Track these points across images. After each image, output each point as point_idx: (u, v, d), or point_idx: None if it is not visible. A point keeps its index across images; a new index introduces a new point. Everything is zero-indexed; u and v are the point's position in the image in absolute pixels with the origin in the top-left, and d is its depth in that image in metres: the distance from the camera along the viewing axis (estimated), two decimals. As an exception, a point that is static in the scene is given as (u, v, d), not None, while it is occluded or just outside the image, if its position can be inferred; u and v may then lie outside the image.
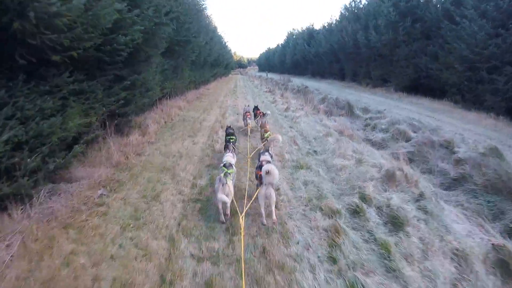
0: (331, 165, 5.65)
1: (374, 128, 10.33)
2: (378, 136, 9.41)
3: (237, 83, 33.74)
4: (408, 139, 8.68)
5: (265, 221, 3.80)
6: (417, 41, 19.01)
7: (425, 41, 18.50)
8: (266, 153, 4.90)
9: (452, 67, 15.68)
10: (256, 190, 4.10)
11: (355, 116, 11.98)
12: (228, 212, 3.95)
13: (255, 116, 9.09)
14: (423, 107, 14.97)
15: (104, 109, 6.07)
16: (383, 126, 10.10)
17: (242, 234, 3.26)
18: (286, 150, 6.73)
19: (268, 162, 4.32)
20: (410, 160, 7.52)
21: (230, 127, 7.00)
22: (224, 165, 4.38)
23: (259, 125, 8.13)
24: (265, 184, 3.78)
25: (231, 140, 6.18)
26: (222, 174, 4.04)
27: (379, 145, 8.90)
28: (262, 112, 8.93)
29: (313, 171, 5.37)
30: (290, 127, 9.38)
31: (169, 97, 14.34)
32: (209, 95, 19.40)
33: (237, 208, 3.84)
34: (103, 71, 6.06)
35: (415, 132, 9.13)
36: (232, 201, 3.96)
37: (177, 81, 14.40)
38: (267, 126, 7.18)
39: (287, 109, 12.49)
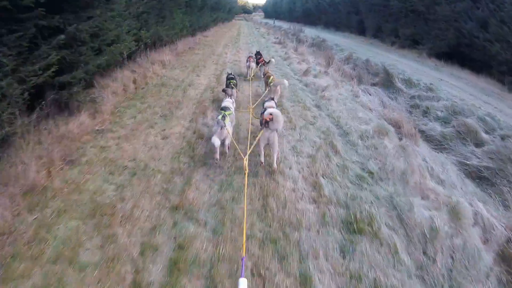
0: (410, 223, 2.99)
1: (426, 113, 7.50)
2: (435, 128, 6.62)
3: (240, 30, 29.37)
4: (478, 143, 5.97)
5: (262, 160, 3.83)
6: (461, 1, 15.25)
7: (471, 3, 14.79)
8: (272, 101, 4.75)
9: (505, 40, 12.29)
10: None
11: (395, 89, 8.99)
12: (227, 150, 4.07)
13: (257, 64, 8.61)
14: (469, 84, 11.76)
15: (17, 85, 3.69)
16: (439, 113, 7.26)
17: (245, 174, 3.18)
18: (322, 167, 3.97)
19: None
20: (483, 179, 5.02)
21: (231, 73, 6.87)
22: (222, 109, 4.40)
23: (262, 73, 7.98)
24: (271, 130, 3.74)
25: (232, 83, 6.04)
26: (220, 116, 4.00)
27: (438, 144, 6.20)
28: (265, 60, 8.64)
29: (385, 247, 2.71)
30: (317, 107, 6.46)
31: (154, 48, 11.12)
32: (206, 45, 15.88)
33: (240, 152, 3.70)
34: (12, 23, 3.73)
35: (488, 133, 6.35)
36: (235, 146, 3.98)
37: (162, 27, 11.02)
38: (270, 72, 7.09)
39: (306, 72, 9.31)
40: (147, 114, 5.65)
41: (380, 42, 21.95)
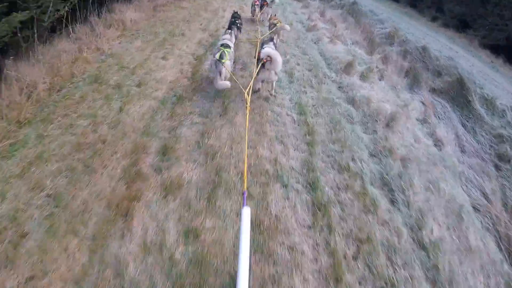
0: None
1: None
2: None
3: None
4: None
5: (259, 86, 4.24)
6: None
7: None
8: (270, 43, 4.52)
9: None
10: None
11: (472, 113, 5.73)
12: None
13: (261, 7, 8.01)
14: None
15: None
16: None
17: (247, 109, 3.12)
18: None
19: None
20: None
21: (236, 12, 6.64)
22: (222, 45, 4.24)
23: (267, 17, 7.75)
24: (267, 69, 3.87)
25: (236, 22, 5.89)
26: (217, 56, 3.93)
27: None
28: (267, 2, 7.99)
29: None
30: (389, 190, 3.18)
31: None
32: None
33: (241, 87, 3.59)
34: None
35: None
36: (236, 80, 3.91)
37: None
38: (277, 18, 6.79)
39: (349, 68, 5.68)
40: (10, 197, 2.55)
41: (417, 14, 17.16)
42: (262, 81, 4.25)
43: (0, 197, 2.57)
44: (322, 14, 9.99)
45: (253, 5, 8.22)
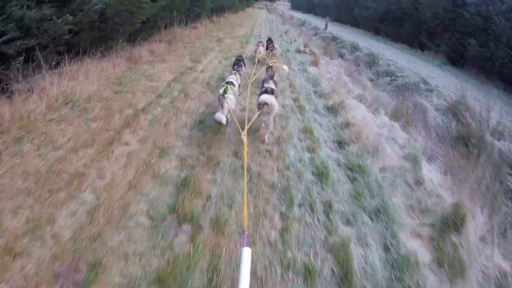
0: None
1: None
2: None
3: (256, 23, 20.56)
4: None
5: (264, 138, 4.23)
6: None
7: None
8: (270, 81, 4.63)
9: None
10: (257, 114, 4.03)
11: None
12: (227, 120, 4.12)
13: (267, 48, 8.06)
14: None
15: None
16: None
17: (245, 150, 3.18)
18: None
19: (272, 89, 4.28)
20: None
21: (240, 56, 6.63)
22: (226, 82, 4.54)
23: (269, 57, 7.32)
24: (266, 113, 3.95)
25: (240, 63, 6.06)
26: (221, 91, 4.20)
27: None
28: (272, 45, 8.03)
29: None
30: None
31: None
32: (190, 48, 9.69)
33: (239, 128, 3.64)
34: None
35: None
36: (234, 120, 4.03)
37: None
38: (276, 58, 6.95)
39: None
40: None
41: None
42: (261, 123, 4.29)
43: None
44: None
45: (257, 46, 8.24)
